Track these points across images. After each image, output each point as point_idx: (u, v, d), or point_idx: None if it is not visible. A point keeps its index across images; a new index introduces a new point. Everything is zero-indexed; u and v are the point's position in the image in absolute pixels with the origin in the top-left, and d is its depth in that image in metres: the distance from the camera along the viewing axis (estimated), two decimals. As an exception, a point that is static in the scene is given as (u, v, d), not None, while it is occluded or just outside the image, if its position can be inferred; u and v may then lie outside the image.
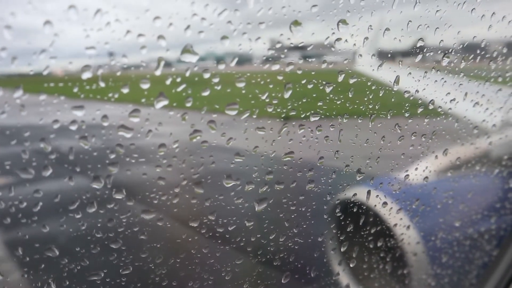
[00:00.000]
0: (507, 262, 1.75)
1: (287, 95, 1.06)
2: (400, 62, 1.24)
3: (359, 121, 1.25)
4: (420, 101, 1.30)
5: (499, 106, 1.64)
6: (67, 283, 1.04)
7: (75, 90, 0.86)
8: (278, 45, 1.00)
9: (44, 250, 0.98)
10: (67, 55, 0.85)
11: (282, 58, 1.01)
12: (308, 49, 1.03)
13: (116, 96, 0.89)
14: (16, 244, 0.96)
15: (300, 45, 1.01)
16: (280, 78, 1.03)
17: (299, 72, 1.05)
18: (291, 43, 1.00)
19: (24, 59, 0.81)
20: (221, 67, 0.94)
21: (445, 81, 1.35)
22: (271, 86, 1.05)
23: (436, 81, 1.34)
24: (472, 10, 1.24)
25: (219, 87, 0.96)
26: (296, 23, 0.97)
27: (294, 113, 1.12)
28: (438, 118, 1.36)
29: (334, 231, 1.47)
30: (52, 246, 0.98)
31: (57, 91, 0.86)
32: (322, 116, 1.14)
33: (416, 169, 1.53)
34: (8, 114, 0.79)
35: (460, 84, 1.39)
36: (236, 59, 0.97)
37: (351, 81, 1.16)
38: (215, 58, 0.95)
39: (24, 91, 0.79)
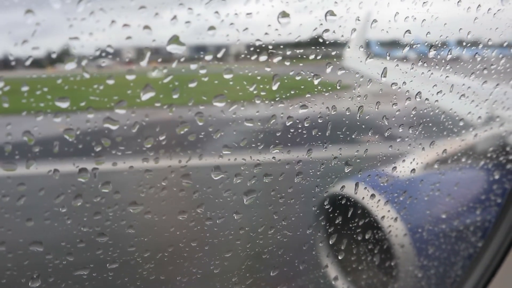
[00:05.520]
0: (491, 253, 1.78)
1: (275, 86, 1.06)
2: (387, 54, 1.24)
3: (347, 113, 1.25)
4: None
5: (484, 99, 1.66)
6: (53, 278, 1.03)
7: (59, 81, 0.84)
8: None
9: (28, 245, 0.96)
10: (50, 45, 0.83)
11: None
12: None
13: (101, 87, 0.88)
14: (-1, 240, 0.94)
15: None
16: (268, 69, 1.03)
17: (287, 63, 1.05)
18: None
19: (5, 50, 0.79)
20: (208, 57, 0.93)
21: (432, 73, 1.36)
22: (259, 78, 1.04)
23: (423, 73, 1.34)
24: (458, 2, 1.25)
25: (206, 79, 0.95)
26: (284, 14, 0.96)
27: (282, 105, 1.11)
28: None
29: (322, 223, 1.48)
30: (36, 241, 0.96)
31: (40, 83, 0.84)
32: (311, 107, 1.14)
33: (404, 161, 1.54)
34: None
35: (447, 77, 1.40)
36: (223, 50, 0.96)
37: (339, 73, 1.16)
38: (202, 49, 0.94)
39: (5, 83, 0.77)
